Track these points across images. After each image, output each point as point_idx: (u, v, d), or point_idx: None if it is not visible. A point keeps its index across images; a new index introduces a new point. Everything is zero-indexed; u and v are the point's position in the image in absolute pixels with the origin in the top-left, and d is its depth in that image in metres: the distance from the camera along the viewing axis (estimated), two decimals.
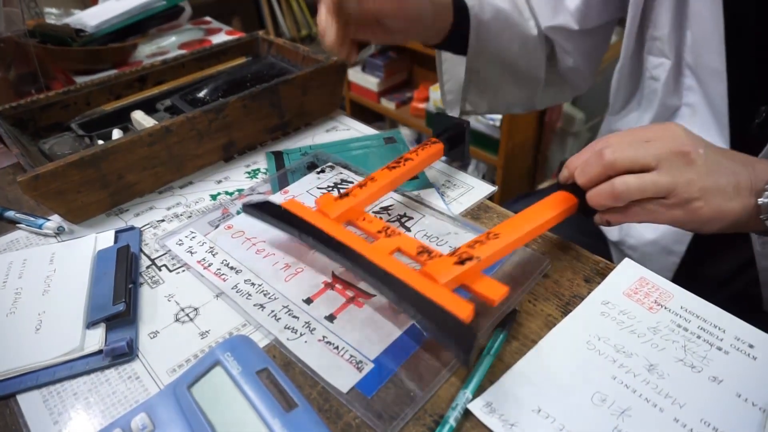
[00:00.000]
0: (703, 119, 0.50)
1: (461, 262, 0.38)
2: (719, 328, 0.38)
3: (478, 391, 0.35)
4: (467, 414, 0.34)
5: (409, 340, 0.39)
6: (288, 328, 0.40)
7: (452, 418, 0.33)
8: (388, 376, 0.36)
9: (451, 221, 0.50)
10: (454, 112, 0.68)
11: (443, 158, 0.55)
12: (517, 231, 0.41)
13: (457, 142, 0.55)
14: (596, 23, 0.57)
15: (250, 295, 0.43)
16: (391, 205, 0.53)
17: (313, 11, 2.90)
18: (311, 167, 0.58)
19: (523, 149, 1.50)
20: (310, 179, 0.56)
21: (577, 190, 0.43)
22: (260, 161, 0.61)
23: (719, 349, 0.37)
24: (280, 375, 0.34)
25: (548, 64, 0.63)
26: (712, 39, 0.46)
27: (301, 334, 0.39)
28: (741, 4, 0.45)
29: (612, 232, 0.64)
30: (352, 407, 0.34)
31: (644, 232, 0.58)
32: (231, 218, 0.51)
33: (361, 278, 0.41)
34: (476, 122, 1.50)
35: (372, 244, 0.42)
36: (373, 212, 0.52)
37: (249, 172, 0.59)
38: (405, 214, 0.51)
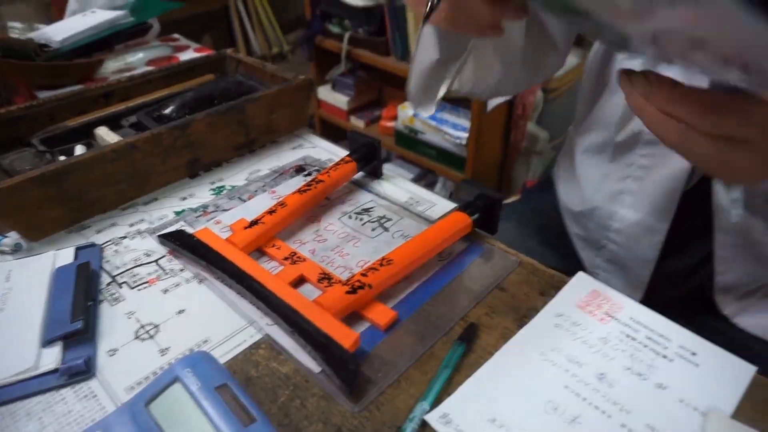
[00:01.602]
0: None
1: (353, 290, 0.41)
2: (665, 338, 0.40)
3: (436, 403, 0.36)
4: (424, 425, 0.34)
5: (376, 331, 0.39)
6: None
7: (409, 429, 0.34)
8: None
9: (427, 224, 0.52)
10: (431, 101, 0.64)
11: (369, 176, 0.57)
12: (411, 256, 0.45)
13: (370, 159, 0.58)
14: None
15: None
16: (371, 207, 0.55)
17: (285, 29, 2.93)
18: (299, 170, 0.62)
19: (490, 167, 1.54)
20: (297, 182, 0.59)
21: (474, 209, 0.48)
22: (226, 178, 0.61)
23: (664, 357, 0.39)
24: (240, 390, 0.34)
25: (526, 36, 0.59)
26: None
27: None
28: None
29: (590, 229, 0.65)
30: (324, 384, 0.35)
31: (628, 214, 0.60)
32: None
33: (259, 308, 0.43)
34: (443, 141, 1.53)
35: (274, 274, 0.45)
36: (355, 213, 0.55)
37: (214, 189, 0.59)
38: (385, 215, 0.54)
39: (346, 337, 0.38)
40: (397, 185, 0.59)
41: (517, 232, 0.73)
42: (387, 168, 0.65)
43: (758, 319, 0.56)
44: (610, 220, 0.62)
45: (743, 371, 0.38)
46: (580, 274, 0.46)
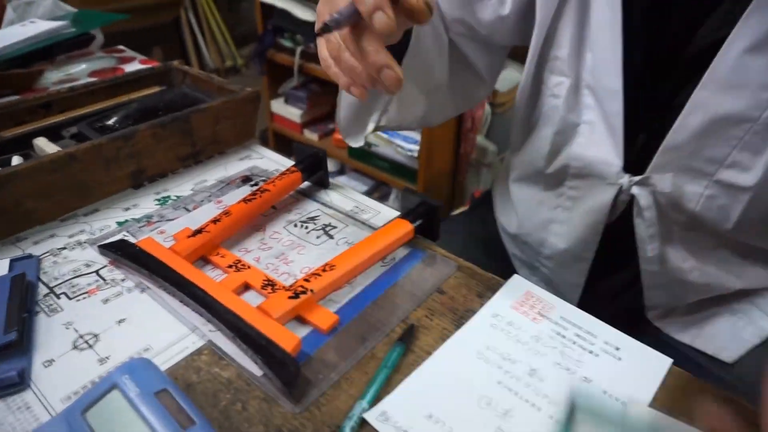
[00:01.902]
0: (601, 135, 0.53)
1: (296, 296, 0.43)
2: (592, 334, 0.43)
3: (375, 402, 0.37)
4: (364, 424, 0.36)
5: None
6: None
7: (348, 427, 0.35)
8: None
9: (371, 231, 0.54)
10: (361, 133, 0.63)
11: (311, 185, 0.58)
12: (353, 261, 0.46)
13: (316, 169, 0.60)
14: (504, 40, 0.59)
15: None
16: (317, 216, 0.56)
17: (238, 42, 2.92)
18: (246, 180, 0.63)
19: (441, 179, 1.58)
20: (243, 192, 0.59)
21: (415, 217, 0.51)
22: (171, 188, 0.61)
23: (591, 352, 0.41)
24: (180, 395, 0.34)
25: (451, 71, 0.61)
26: (610, 62, 0.48)
27: None
28: (637, 30, 0.48)
29: (525, 251, 0.68)
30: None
31: (557, 242, 0.62)
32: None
33: (201, 315, 0.43)
34: (395, 153, 1.56)
35: (218, 282, 0.45)
36: (300, 221, 0.55)
37: (159, 199, 0.59)
38: (330, 223, 0.55)
39: (287, 340, 0.39)
40: (343, 194, 0.60)
41: (464, 243, 0.75)
42: (341, 180, 0.67)
43: (685, 330, 0.59)
44: (541, 247, 0.65)
45: (661, 363, 0.41)
46: (515, 277, 0.48)
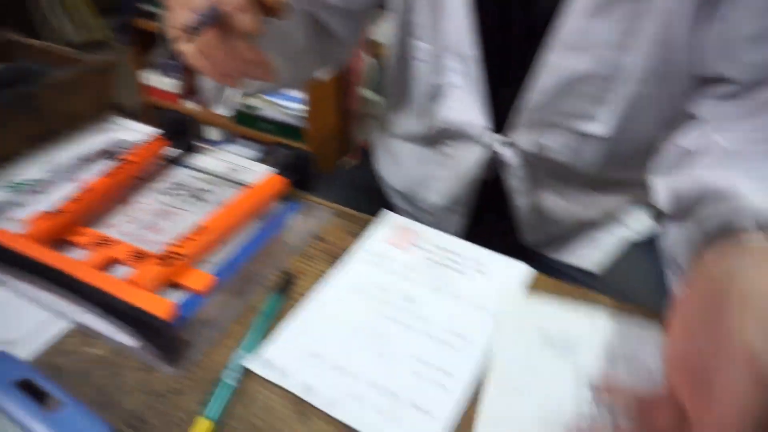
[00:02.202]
0: (466, 98, 0.55)
1: (167, 263, 0.42)
2: (459, 255, 0.46)
3: (256, 349, 0.37)
4: (248, 373, 0.36)
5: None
6: None
7: (230, 378, 0.35)
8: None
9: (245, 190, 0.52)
10: (228, 101, 0.61)
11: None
12: (225, 222, 0.46)
13: (179, 133, 0.58)
14: (360, 7, 0.59)
15: None
16: (187, 181, 0.55)
17: (105, 13, 2.66)
18: (106, 155, 0.59)
19: (330, 134, 1.57)
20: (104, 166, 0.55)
21: (288, 170, 0.51)
22: (21, 172, 0.56)
23: (458, 271, 0.45)
24: (46, 381, 0.33)
25: (311, 38, 0.61)
26: (463, 27, 0.50)
27: None
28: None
29: (407, 204, 0.70)
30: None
31: (435, 198, 0.64)
32: None
33: (65, 298, 0.41)
34: (280, 114, 1.53)
35: (80, 261, 0.43)
36: (169, 189, 0.54)
37: (10, 186, 0.54)
38: (202, 188, 0.54)
39: (160, 307, 0.38)
40: (215, 157, 0.59)
41: (351, 195, 0.75)
42: (231, 149, 0.64)
43: (556, 250, 0.65)
44: (421, 202, 0.67)
45: (521, 271, 0.45)
46: (386, 213, 0.50)
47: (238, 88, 0.57)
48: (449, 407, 0.35)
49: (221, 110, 0.60)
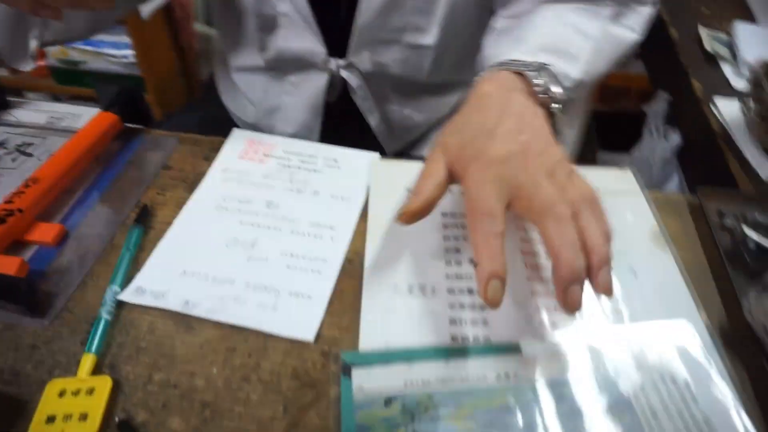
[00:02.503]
0: (298, 26, 0.55)
1: (2, 220, 0.39)
2: (313, 156, 0.48)
3: (127, 283, 0.37)
4: (122, 305, 0.36)
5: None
6: None
7: (105, 312, 0.35)
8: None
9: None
10: (24, 54, 0.54)
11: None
12: (58, 168, 0.43)
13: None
14: None
15: None
16: (4, 140, 0.49)
17: None
18: None
19: (170, 76, 1.46)
20: None
21: (118, 107, 0.49)
22: None
23: (314, 171, 0.47)
24: None
25: None
26: None
27: None
28: None
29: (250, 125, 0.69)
30: None
31: (284, 127, 0.65)
32: None
33: None
34: (109, 65, 1.39)
35: None
36: None
37: None
38: (24, 142, 0.49)
39: (7, 265, 0.36)
40: (32, 109, 0.53)
41: (203, 132, 0.73)
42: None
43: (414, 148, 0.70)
44: (271, 133, 0.67)
45: (375, 158, 0.48)
46: (235, 130, 0.50)
47: (59, 23, 0.51)
48: (329, 286, 0.38)
49: (22, 66, 0.53)
